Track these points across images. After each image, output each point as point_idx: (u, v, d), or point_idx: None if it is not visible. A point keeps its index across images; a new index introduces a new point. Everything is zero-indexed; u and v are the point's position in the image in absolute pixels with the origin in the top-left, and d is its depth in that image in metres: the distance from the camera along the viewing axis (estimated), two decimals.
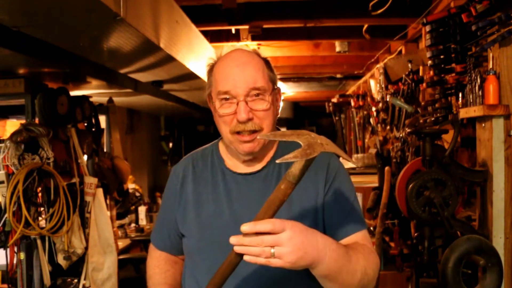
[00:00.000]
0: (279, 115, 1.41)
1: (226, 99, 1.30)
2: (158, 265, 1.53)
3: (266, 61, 1.37)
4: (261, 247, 1.03)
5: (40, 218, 2.85)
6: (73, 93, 3.32)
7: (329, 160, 1.39)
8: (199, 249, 1.39)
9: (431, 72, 2.94)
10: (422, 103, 3.42)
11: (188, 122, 8.59)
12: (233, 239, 1.05)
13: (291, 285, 1.30)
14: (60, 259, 2.91)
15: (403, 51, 4.62)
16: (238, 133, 1.31)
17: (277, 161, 1.06)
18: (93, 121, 3.62)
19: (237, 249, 1.05)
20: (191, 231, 1.41)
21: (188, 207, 1.42)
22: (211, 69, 1.39)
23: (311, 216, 1.34)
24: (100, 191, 3.31)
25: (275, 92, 1.37)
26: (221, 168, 1.42)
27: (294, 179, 1.06)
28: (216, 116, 1.36)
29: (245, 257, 1.05)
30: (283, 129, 1.50)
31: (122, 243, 4.49)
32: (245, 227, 1.04)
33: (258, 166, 1.39)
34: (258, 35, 4.53)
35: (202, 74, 3.91)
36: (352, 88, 6.89)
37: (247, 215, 1.33)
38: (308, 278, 1.19)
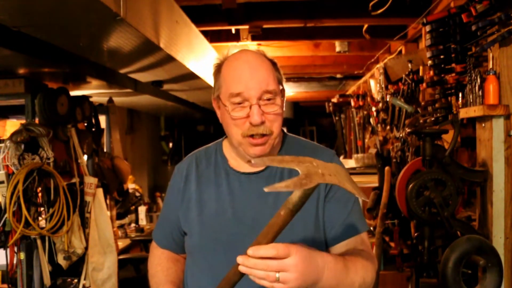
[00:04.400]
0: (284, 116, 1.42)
1: (239, 102, 1.29)
2: (160, 263, 1.52)
3: (273, 63, 1.37)
4: (266, 271, 1.02)
5: (40, 218, 2.85)
6: (73, 93, 3.32)
7: (330, 161, 1.39)
8: (201, 247, 1.39)
9: (431, 72, 2.94)
10: (422, 103, 3.43)
11: (188, 122, 8.60)
12: (239, 259, 1.04)
13: None
14: (60, 259, 2.91)
15: (403, 51, 4.62)
16: (251, 136, 1.30)
17: (266, 189, 0.98)
18: (93, 121, 3.63)
19: (241, 269, 1.05)
20: (193, 229, 1.41)
21: (190, 206, 1.42)
22: (218, 70, 1.37)
23: (312, 219, 1.34)
24: (100, 191, 3.31)
25: (283, 93, 1.37)
26: (225, 168, 1.42)
27: (293, 206, 1.02)
28: (226, 118, 1.34)
29: (250, 277, 1.04)
30: (284, 130, 1.50)
31: (122, 243, 4.49)
32: (250, 252, 1.03)
33: (261, 166, 1.39)
34: (258, 35, 4.53)
35: (202, 74, 3.91)
36: (352, 88, 6.89)
37: (248, 214, 1.34)
38: None
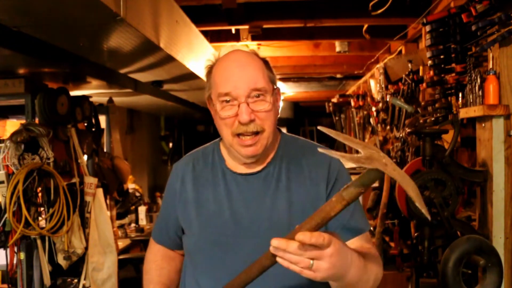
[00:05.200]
0: (279, 115, 1.40)
1: (227, 101, 1.29)
2: (155, 260, 1.55)
3: (265, 62, 1.37)
4: (301, 257, 1.01)
5: (40, 218, 2.85)
6: (73, 93, 3.32)
7: (330, 161, 1.38)
8: (199, 248, 1.39)
9: (431, 72, 2.94)
10: (422, 103, 3.42)
11: (188, 122, 8.60)
12: (275, 242, 1.01)
13: None
14: (60, 259, 2.91)
15: (403, 51, 4.62)
16: (239, 135, 1.29)
17: (320, 150, 1.01)
18: (93, 121, 3.62)
19: (273, 250, 1.02)
20: (191, 230, 1.41)
21: (188, 206, 1.42)
22: (210, 71, 1.38)
23: None
24: (100, 191, 3.31)
25: (275, 92, 1.36)
26: (222, 168, 1.42)
27: (348, 197, 1.00)
28: (217, 118, 1.34)
29: (278, 259, 1.02)
30: (283, 130, 1.50)
31: (122, 243, 4.49)
32: (301, 237, 0.99)
33: (258, 167, 1.38)
34: (258, 35, 4.53)
35: (202, 74, 3.89)
36: (352, 88, 6.90)
37: (246, 215, 1.34)
38: (326, 284, 1.21)
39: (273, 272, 1.10)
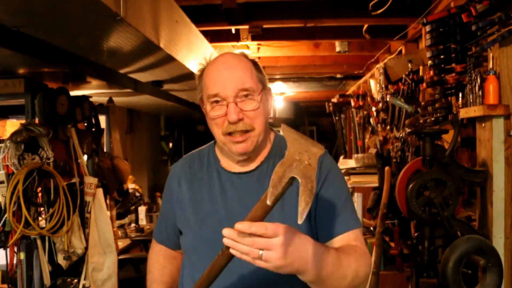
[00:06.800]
0: (271, 115, 1.44)
1: (217, 101, 1.33)
2: (158, 260, 1.59)
3: (254, 63, 1.41)
4: (251, 247, 1.05)
5: (40, 218, 2.85)
6: (73, 93, 3.32)
7: (322, 160, 1.39)
8: (195, 247, 1.42)
9: (431, 72, 2.94)
10: (422, 103, 3.42)
11: (188, 122, 8.59)
12: (226, 231, 1.06)
13: (285, 285, 1.32)
14: (60, 259, 2.91)
15: (403, 51, 4.62)
16: (230, 134, 1.33)
17: (299, 222, 1.01)
18: (93, 121, 3.62)
19: (226, 241, 1.07)
20: (188, 229, 1.45)
21: (184, 206, 1.46)
22: (201, 74, 1.42)
23: (306, 218, 1.35)
24: (100, 191, 3.31)
25: (265, 92, 1.40)
26: (216, 168, 1.45)
27: (271, 203, 1.05)
28: (208, 119, 1.39)
29: (231, 251, 1.07)
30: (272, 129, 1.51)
31: (122, 243, 4.49)
32: (240, 226, 1.05)
33: (252, 166, 1.42)
34: (258, 35, 4.53)
35: None
36: (352, 88, 6.89)
37: (242, 213, 1.34)
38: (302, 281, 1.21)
39: (247, 270, 1.13)
